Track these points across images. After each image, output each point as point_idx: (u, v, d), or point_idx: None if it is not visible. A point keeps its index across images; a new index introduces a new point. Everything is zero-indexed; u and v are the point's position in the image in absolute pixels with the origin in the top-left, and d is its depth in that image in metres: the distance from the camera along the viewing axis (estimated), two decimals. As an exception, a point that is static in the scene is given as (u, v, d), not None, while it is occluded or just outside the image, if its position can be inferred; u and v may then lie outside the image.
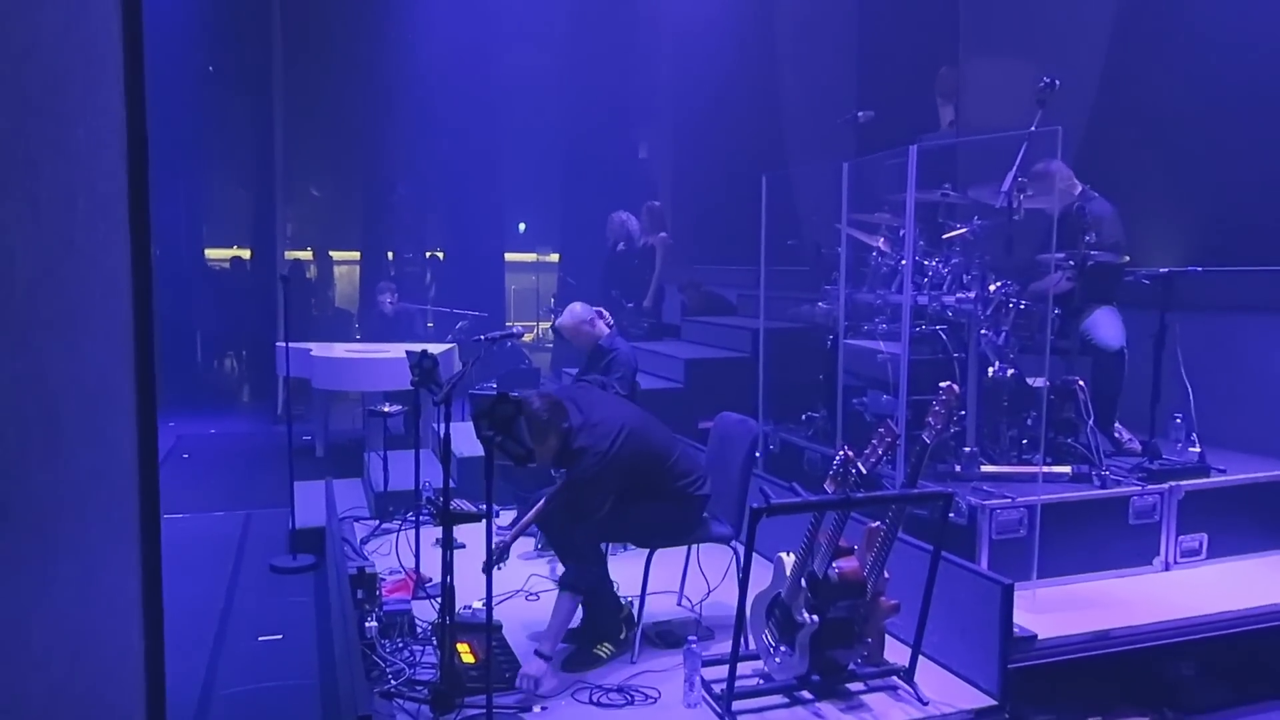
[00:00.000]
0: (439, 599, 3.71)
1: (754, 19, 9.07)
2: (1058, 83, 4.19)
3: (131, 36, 1.69)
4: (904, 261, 4.47)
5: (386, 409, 5.27)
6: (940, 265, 4.51)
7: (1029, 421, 4.40)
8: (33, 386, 1.14)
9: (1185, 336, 4.39)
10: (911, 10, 7.20)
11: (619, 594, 3.78)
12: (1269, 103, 4.67)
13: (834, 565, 3.26)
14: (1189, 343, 4.42)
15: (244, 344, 12.24)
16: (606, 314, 5.11)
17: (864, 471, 3.12)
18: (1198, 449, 4.35)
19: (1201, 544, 4.20)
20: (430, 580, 4.31)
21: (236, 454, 8.48)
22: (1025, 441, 4.38)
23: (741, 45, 9.17)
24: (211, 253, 13.46)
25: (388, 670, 3.45)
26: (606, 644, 3.64)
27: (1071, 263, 4.30)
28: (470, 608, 3.96)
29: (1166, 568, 4.14)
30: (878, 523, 3.36)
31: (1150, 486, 4.11)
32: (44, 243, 1.16)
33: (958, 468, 4.19)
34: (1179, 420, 4.46)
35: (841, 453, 3.14)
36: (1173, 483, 4.15)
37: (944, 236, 4.59)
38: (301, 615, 4.65)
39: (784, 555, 3.34)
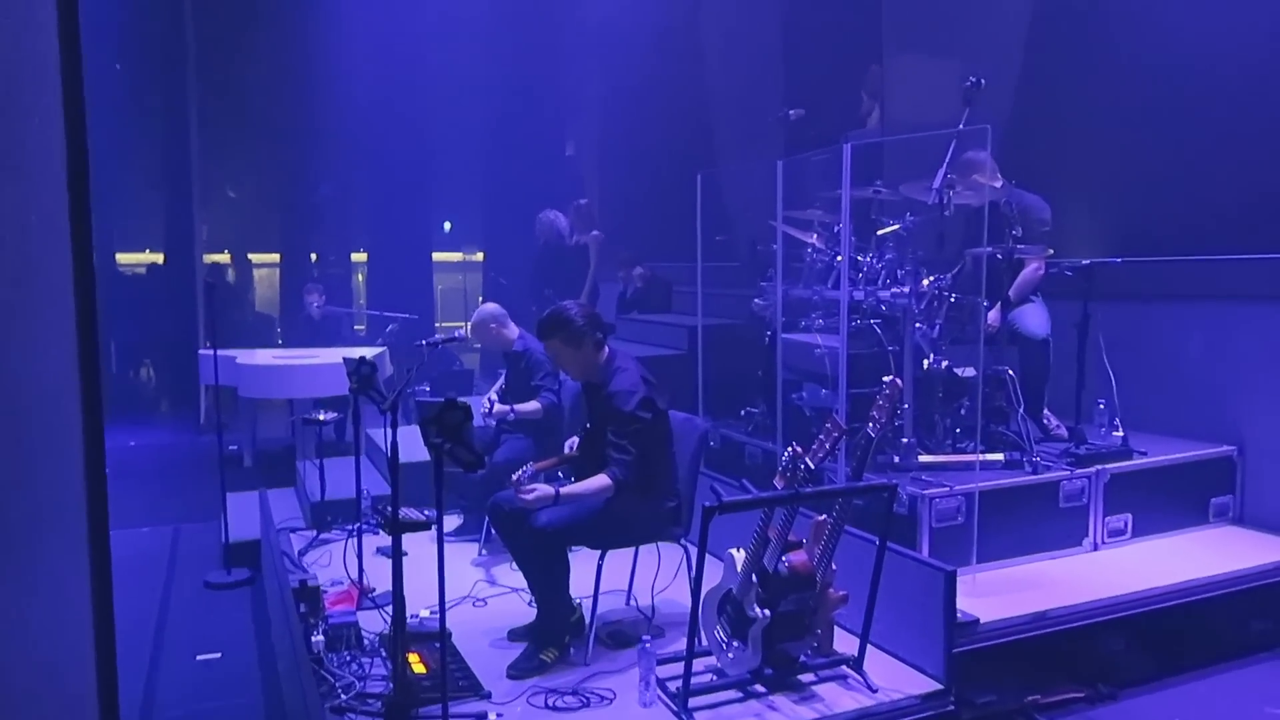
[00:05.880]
0: (386, 609, 3.67)
1: (680, 16, 9.11)
2: (983, 81, 4.32)
3: (68, 41, 1.64)
4: (839, 258, 4.55)
5: (322, 416, 5.17)
6: (874, 261, 4.60)
7: (962, 411, 4.53)
8: (4, 400, 1.10)
9: (1106, 325, 4.56)
10: (835, 9, 7.32)
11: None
12: (1181, 99, 4.87)
13: (784, 559, 3.30)
14: (1110, 331, 4.59)
15: (161, 352, 11.86)
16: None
17: (812, 466, 3.17)
18: (1121, 433, 4.53)
19: (1127, 524, 4.37)
20: (374, 590, 4.25)
21: (159, 466, 8.23)
22: (959, 430, 4.51)
23: (667, 43, 9.21)
24: (123, 257, 12.99)
25: (337, 685, 3.39)
26: (553, 649, 3.63)
27: (1000, 256, 4.42)
28: (417, 616, 3.91)
29: (1095, 548, 4.30)
30: (824, 516, 3.42)
31: (1078, 471, 4.27)
32: (6, 255, 1.12)
33: (896, 459, 4.29)
34: (1102, 405, 4.64)
35: (790, 449, 3.19)
36: (1099, 466, 4.31)
37: (878, 233, 4.68)
38: (240, 631, 4.55)
39: (734, 552, 3.37)
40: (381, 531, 4.91)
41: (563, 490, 3.60)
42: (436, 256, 13.90)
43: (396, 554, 3.18)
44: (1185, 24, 4.84)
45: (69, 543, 1.71)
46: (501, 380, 5.35)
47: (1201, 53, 4.76)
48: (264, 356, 7.52)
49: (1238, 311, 4.64)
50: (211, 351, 5.99)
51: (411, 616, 3.80)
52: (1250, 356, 4.58)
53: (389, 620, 3.40)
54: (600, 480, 3.58)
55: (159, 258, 12.53)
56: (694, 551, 3.25)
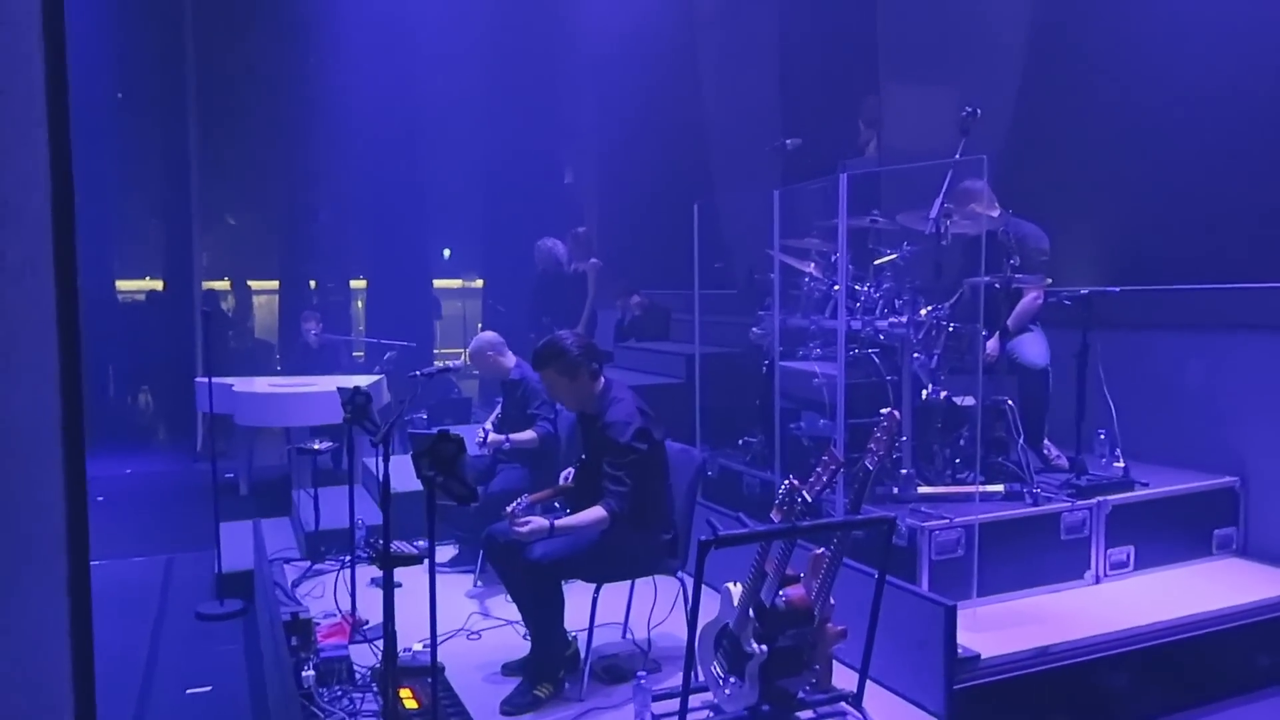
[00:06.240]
0: (378, 643, 3.62)
1: (678, 46, 9.17)
2: (979, 111, 4.33)
3: (55, 76, 1.62)
4: (836, 287, 4.53)
5: (316, 446, 5.13)
6: (872, 290, 4.58)
7: (961, 441, 4.49)
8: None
9: (1106, 354, 4.54)
10: (831, 39, 7.36)
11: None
12: (1179, 127, 4.87)
13: (781, 594, 3.25)
14: (1109, 360, 4.56)
15: (159, 379, 11.83)
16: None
17: (809, 500, 3.13)
18: (1121, 463, 4.49)
19: (1129, 556, 4.32)
20: (367, 623, 4.20)
21: (155, 495, 8.17)
22: (959, 461, 4.46)
23: (665, 72, 9.27)
24: (123, 284, 13.02)
25: (327, 720, 3.34)
26: (547, 684, 3.58)
27: (998, 285, 4.41)
28: (410, 650, 3.85)
29: (1097, 580, 4.25)
30: (822, 549, 3.37)
31: (1079, 502, 4.22)
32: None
33: (895, 490, 4.25)
34: (1103, 436, 4.60)
35: (787, 482, 3.15)
36: (1100, 498, 4.27)
37: (875, 263, 4.67)
38: (231, 664, 4.48)
39: (731, 585, 3.32)
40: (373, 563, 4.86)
41: (558, 523, 3.56)
42: (436, 283, 13.91)
43: (388, 588, 3.14)
44: (1183, 54, 4.84)
45: (46, 580, 1.67)
46: (497, 409, 5.32)
47: (1199, 81, 4.76)
48: (260, 384, 7.49)
49: (1238, 341, 4.61)
50: (208, 379, 5.96)
51: (404, 650, 3.75)
52: (1252, 386, 4.54)
53: (381, 654, 3.35)
54: (596, 512, 3.54)
55: (159, 285, 12.55)
56: (690, 584, 3.20)
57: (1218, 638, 3.89)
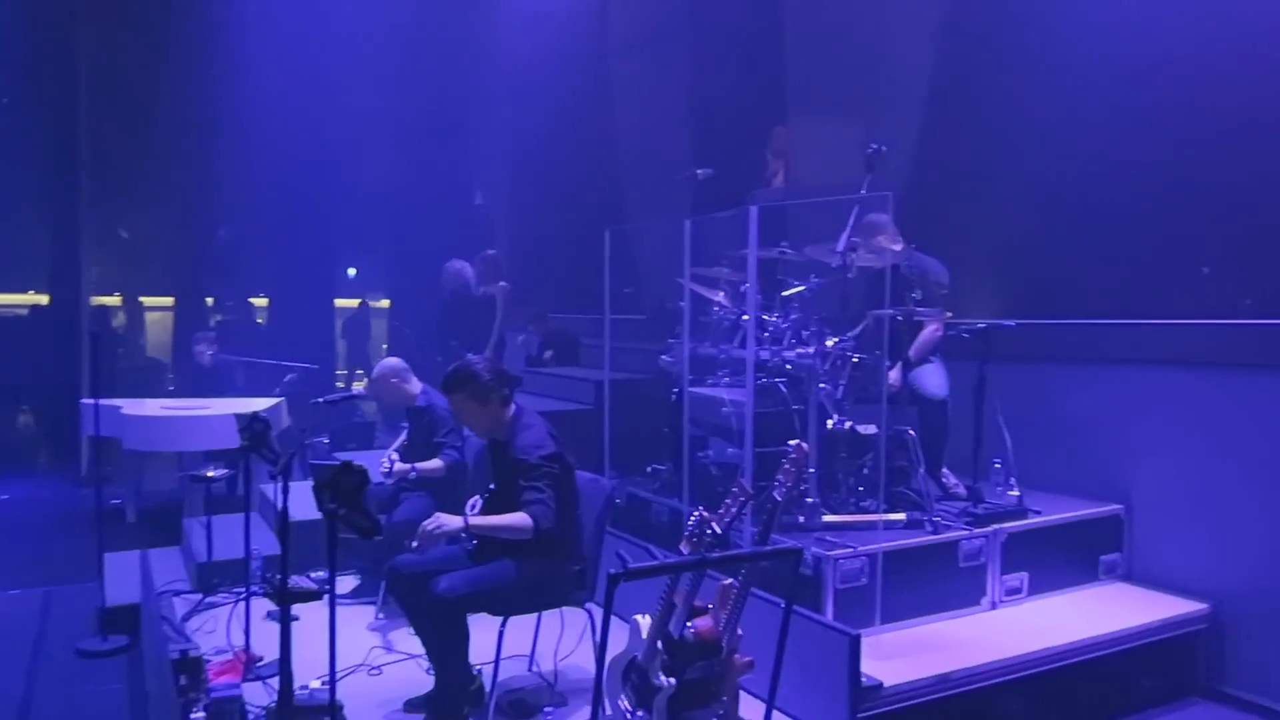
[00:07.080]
0: (273, 680, 3.49)
1: (591, 71, 9.22)
2: (885, 148, 4.46)
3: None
4: (745, 317, 4.58)
5: (210, 474, 4.92)
6: (780, 320, 4.65)
7: (864, 470, 4.58)
8: None
9: (1001, 386, 4.70)
10: (740, 71, 7.50)
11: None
12: (1071, 171, 5.10)
13: (690, 625, 3.25)
14: (1005, 391, 4.73)
15: (42, 399, 11.24)
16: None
17: (719, 531, 3.14)
18: (1016, 492, 4.65)
19: (1023, 582, 4.46)
20: (262, 659, 4.04)
21: (34, 522, 7.76)
22: (862, 489, 4.55)
23: (579, 98, 9.30)
24: (3, 297, 12.37)
25: (218, 765, 3.19)
26: None
27: (900, 318, 4.52)
28: (307, 688, 3.72)
29: (993, 606, 4.37)
30: (731, 580, 3.38)
31: (976, 530, 4.35)
32: None
33: (801, 518, 4.31)
34: (998, 465, 4.76)
35: (697, 513, 3.16)
36: (996, 525, 4.40)
37: (783, 294, 4.74)
38: (114, 706, 4.26)
39: (640, 618, 3.31)
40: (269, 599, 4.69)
41: (473, 520, 3.48)
42: (339, 303, 13.61)
43: (285, 625, 3.03)
44: (1078, 100, 5.08)
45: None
46: (403, 436, 5.21)
47: (1093, 126, 5.00)
48: (151, 407, 7.17)
49: (1125, 375, 4.82)
50: (94, 401, 5.68)
51: (301, 688, 3.62)
52: (1136, 418, 4.76)
53: (276, 693, 3.22)
54: (520, 517, 3.47)
55: (43, 299, 11.95)
56: (599, 615, 3.17)
57: (1106, 661, 4.05)
